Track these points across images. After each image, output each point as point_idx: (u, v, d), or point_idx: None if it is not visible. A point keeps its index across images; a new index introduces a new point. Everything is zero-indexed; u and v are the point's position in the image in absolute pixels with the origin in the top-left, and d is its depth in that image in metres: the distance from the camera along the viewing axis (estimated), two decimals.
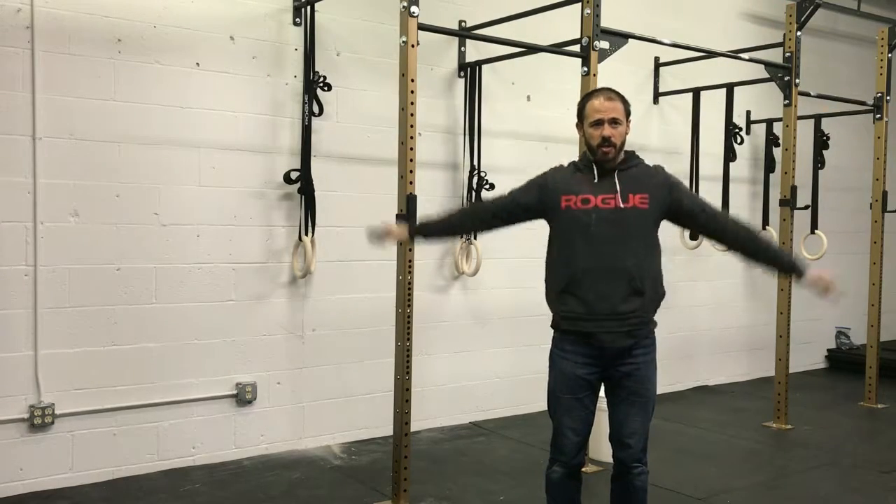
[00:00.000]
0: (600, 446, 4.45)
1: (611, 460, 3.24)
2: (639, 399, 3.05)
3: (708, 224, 3.13)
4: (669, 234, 4.01)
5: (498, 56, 5.26)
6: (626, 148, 3.10)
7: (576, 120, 3.16)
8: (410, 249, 3.83)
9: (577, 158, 3.22)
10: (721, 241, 3.21)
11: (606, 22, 4.47)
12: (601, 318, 2.97)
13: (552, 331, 3.16)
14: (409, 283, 3.83)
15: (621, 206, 2.97)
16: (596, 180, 3.02)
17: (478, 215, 3.55)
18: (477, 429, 5.37)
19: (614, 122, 2.99)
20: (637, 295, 2.98)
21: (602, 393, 3.16)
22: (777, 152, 6.32)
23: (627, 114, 3.06)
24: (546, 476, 3.16)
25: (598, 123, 2.99)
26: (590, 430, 3.16)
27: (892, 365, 6.95)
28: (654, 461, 3.26)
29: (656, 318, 3.13)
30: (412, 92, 3.77)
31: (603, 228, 2.96)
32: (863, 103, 6.26)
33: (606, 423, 3.23)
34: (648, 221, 3.03)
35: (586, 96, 3.15)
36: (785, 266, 3.18)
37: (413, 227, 3.51)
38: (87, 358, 4.16)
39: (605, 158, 3.01)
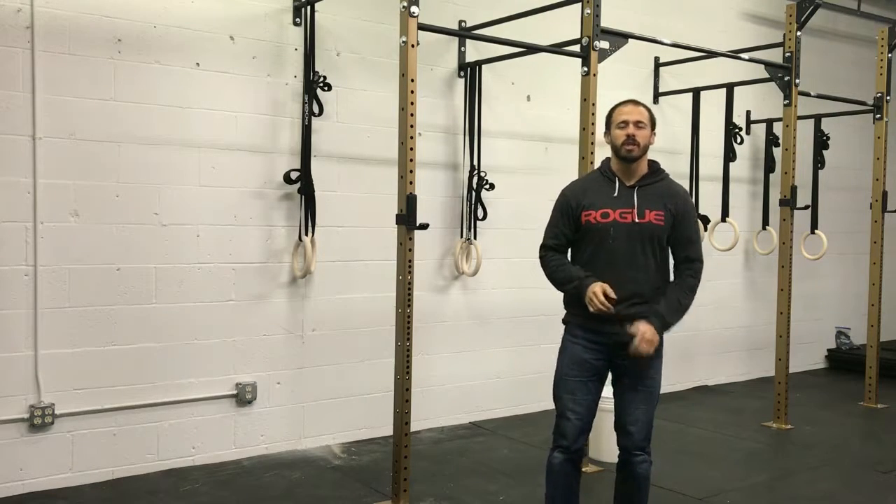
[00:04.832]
0: (600, 446, 4.45)
1: (612, 460, 3.28)
2: (643, 388, 3.18)
3: (674, 257, 3.23)
4: None
5: (498, 56, 5.25)
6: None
7: (603, 130, 3.32)
8: (410, 250, 3.83)
9: (599, 164, 3.37)
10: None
11: (606, 22, 4.47)
12: (609, 321, 3.12)
13: (563, 325, 3.32)
14: (409, 283, 3.83)
15: (637, 221, 3.12)
16: (616, 194, 3.17)
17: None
18: (477, 429, 5.37)
19: (639, 123, 3.17)
20: (644, 305, 3.13)
21: (609, 383, 3.28)
22: (777, 152, 6.33)
23: (653, 124, 3.24)
24: (547, 461, 3.26)
25: (624, 124, 3.17)
26: (592, 417, 3.25)
27: (892, 365, 6.95)
28: (654, 461, 3.27)
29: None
30: (412, 92, 3.77)
31: (620, 242, 3.13)
32: (863, 103, 6.26)
33: (609, 420, 3.27)
34: (662, 238, 3.17)
35: (614, 106, 3.30)
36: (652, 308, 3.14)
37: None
38: (86, 358, 4.16)
39: (629, 156, 3.16)
